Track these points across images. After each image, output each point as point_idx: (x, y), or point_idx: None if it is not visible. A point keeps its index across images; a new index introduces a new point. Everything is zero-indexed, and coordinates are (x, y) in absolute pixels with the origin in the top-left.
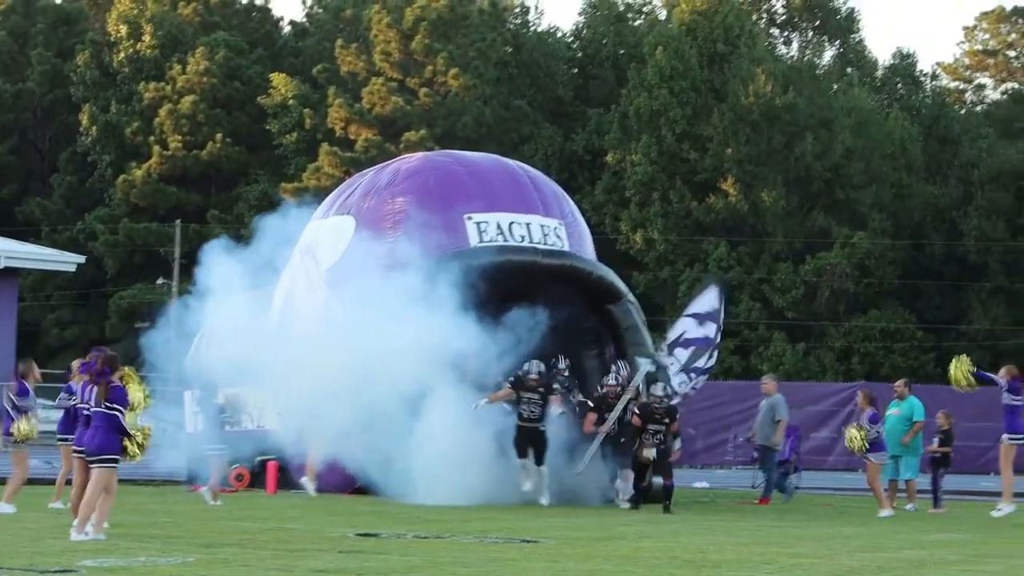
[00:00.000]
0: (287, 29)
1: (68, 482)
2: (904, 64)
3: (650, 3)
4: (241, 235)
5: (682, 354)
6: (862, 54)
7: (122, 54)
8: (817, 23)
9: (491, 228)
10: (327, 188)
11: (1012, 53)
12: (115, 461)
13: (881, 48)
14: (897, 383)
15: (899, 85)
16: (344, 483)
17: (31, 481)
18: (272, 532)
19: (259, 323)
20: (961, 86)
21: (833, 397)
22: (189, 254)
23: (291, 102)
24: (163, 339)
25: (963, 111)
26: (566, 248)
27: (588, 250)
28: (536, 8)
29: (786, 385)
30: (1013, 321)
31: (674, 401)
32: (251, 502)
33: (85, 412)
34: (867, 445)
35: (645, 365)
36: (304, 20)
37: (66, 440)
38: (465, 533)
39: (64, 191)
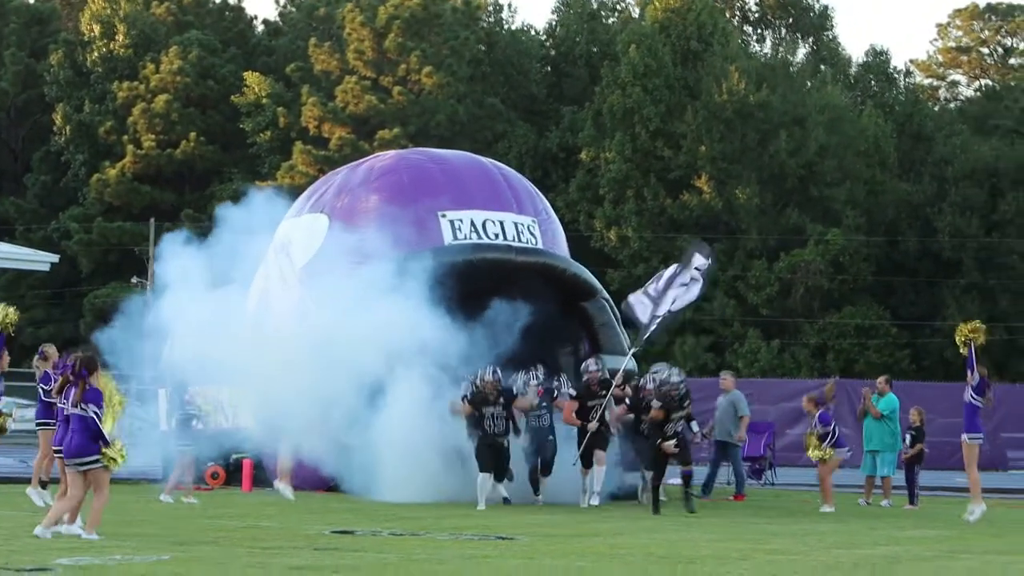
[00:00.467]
0: (260, 28)
1: (55, 482)
2: (878, 61)
3: (623, 1)
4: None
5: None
6: (835, 51)
7: (95, 53)
8: (790, 20)
9: (465, 226)
10: (301, 186)
11: (985, 50)
12: (96, 462)
13: (854, 45)
14: (879, 380)
15: (873, 82)
16: (318, 481)
17: (5, 480)
18: (247, 530)
19: (224, 318)
20: (935, 83)
21: (808, 394)
22: None
23: (265, 101)
24: (123, 337)
25: (937, 108)
26: (540, 246)
27: (562, 248)
28: (509, 6)
29: (761, 382)
30: (987, 317)
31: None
32: (226, 500)
33: (64, 412)
34: (823, 449)
35: (629, 359)
36: (277, 19)
37: (45, 425)
38: (440, 530)
39: (38, 190)
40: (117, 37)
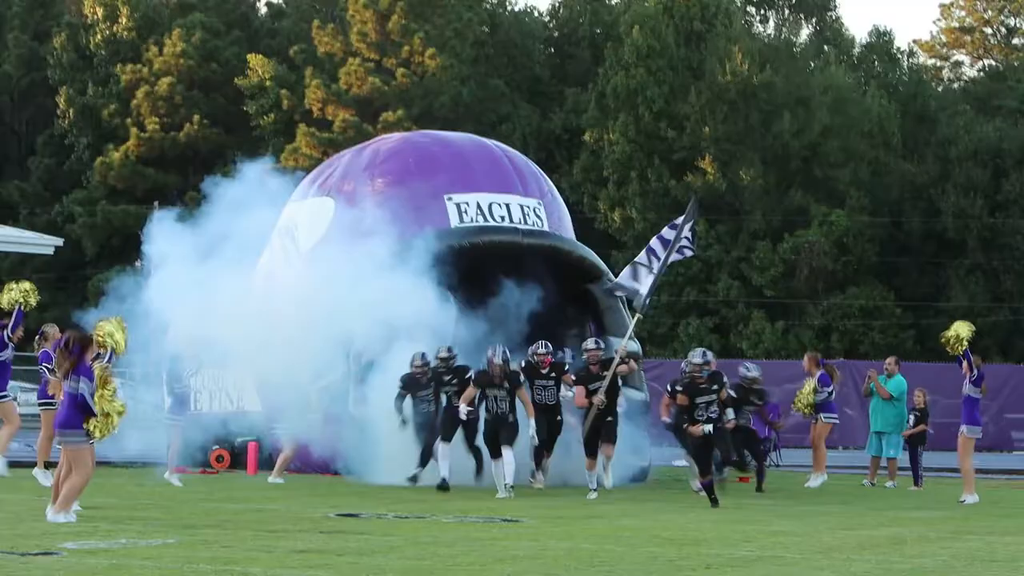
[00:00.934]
0: (263, 10)
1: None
2: (881, 42)
3: None
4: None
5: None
6: (839, 32)
7: (98, 36)
8: (793, 1)
9: (471, 208)
10: (305, 169)
11: (988, 30)
12: (81, 438)
13: (858, 26)
14: (888, 361)
15: (876, 63)
16: (322, 464)
17: (11, 464)
18: (253, 513)
19: (216, 297)
20: (938, 63)
21: (810, 352)
22: None
23: (268, 83)
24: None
25: (940, 88)
26: (546, 228)
27: (567, 229)
28: None
29: (765, 363)
30: (991, 298)
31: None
32: (232, 483)
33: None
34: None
35: (627, 339)
36: (280, 1)
37: (47, 405)
38: (445, 513)
39: (41, 174)
40: (120, 20)
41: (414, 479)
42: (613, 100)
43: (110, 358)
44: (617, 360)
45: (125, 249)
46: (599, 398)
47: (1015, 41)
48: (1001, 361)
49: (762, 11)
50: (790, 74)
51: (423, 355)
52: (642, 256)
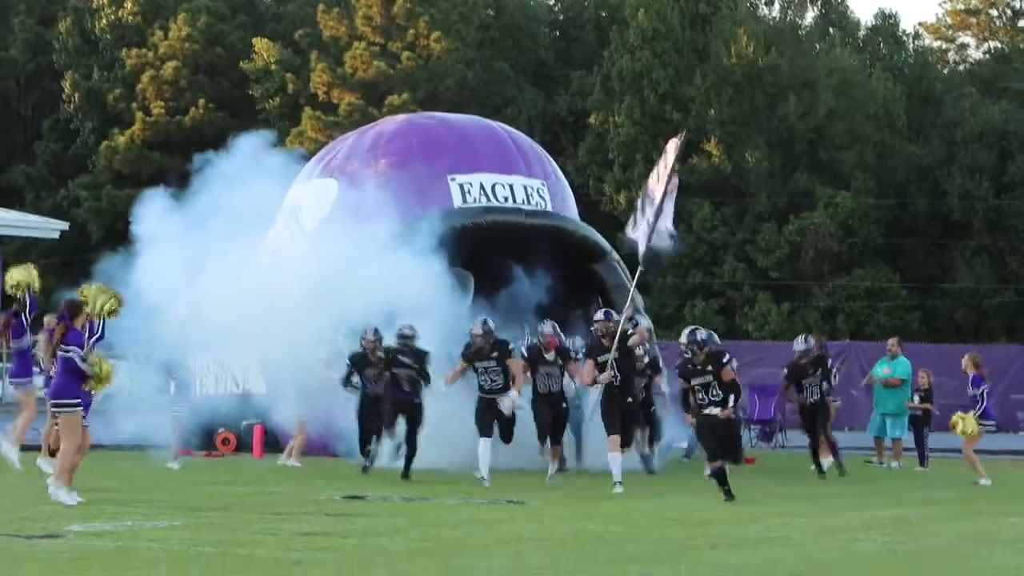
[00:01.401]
0: None
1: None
2: (886, 24)
3: None
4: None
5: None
6: (844, 14)
7: (104, 21)
8: None
9: (474, 189)
10: (310, 152)
11: (994, 12)
12: (74, 405)
13: (863, 8)
14: (890, 341)
15: (881, 45)
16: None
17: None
18: (258, 496)
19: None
20: (943, 45)
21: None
22: None
23: (273, 67)
24: None
25: (946, 71)
26: (549, 208)
27: (571, 211)
28: None
29: (771, 345)
30: (997, 279)
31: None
32: (237, 466)
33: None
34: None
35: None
36: None
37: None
38: (451, 495)
39: (47, 158)
40: (125, 4)
41: (364, 470)
42: (618, 83)
43: (102, 335)
44: (622, 327)
45: (130, 233)
46: (607, 375)
47: (1021, 23)
48: (1006, 342)
49: None
50: (795, 57)
51: (375, 330)
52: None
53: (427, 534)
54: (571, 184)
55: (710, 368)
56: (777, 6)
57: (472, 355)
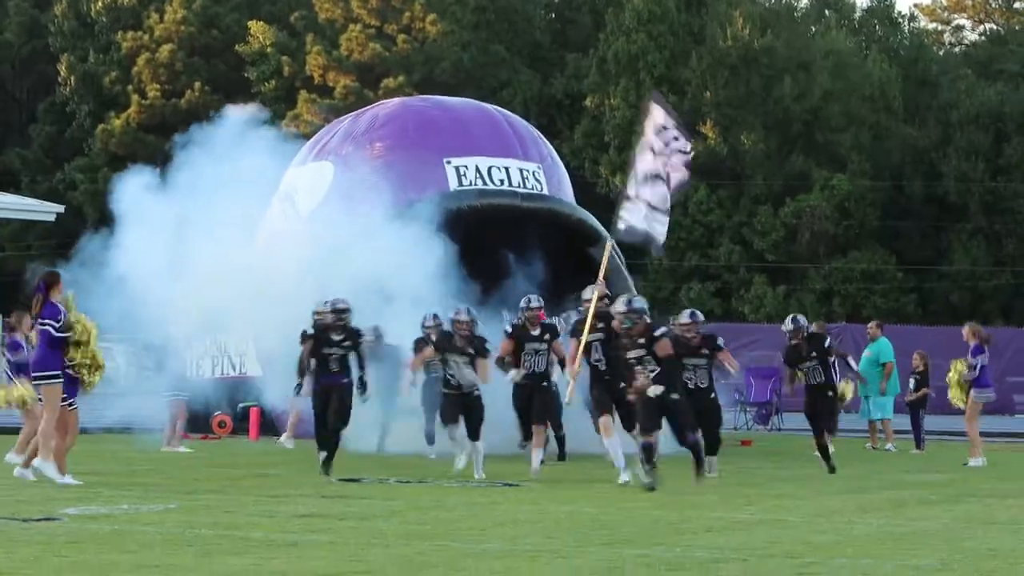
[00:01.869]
0: None
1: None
2: (882, 6)
3: None
4: None
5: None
6: None
7: (99, 3)
8: None
9: (470, 172)
10: (306, 136)
11: None
12: (55, 377)
13: None
14: (870, 325)
15: (877, 27)
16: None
17: (14, 431)
18: (255, 478)
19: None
20: (939, 27)
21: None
22: None
23: (269, 50)
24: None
25: (941, 52)
26: (545, 191)
27: (567, 194)
28: None
29: (767, 327)
30: (993, 261)
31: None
32: (233, 448)
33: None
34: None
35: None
36: None
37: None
38: (447, 478)
39: (43, 141)
40: None
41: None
42: (614, 65)
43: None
44: (594, 303)
45: (111, 213)
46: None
47: (1016, 5)
48: (1002, 325)
49: None
50: (791, 39)
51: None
52: (637, 192)
53: (423, 516)
54: (567, 167)
55: (642, 341)
56: None
57: (444, 346)
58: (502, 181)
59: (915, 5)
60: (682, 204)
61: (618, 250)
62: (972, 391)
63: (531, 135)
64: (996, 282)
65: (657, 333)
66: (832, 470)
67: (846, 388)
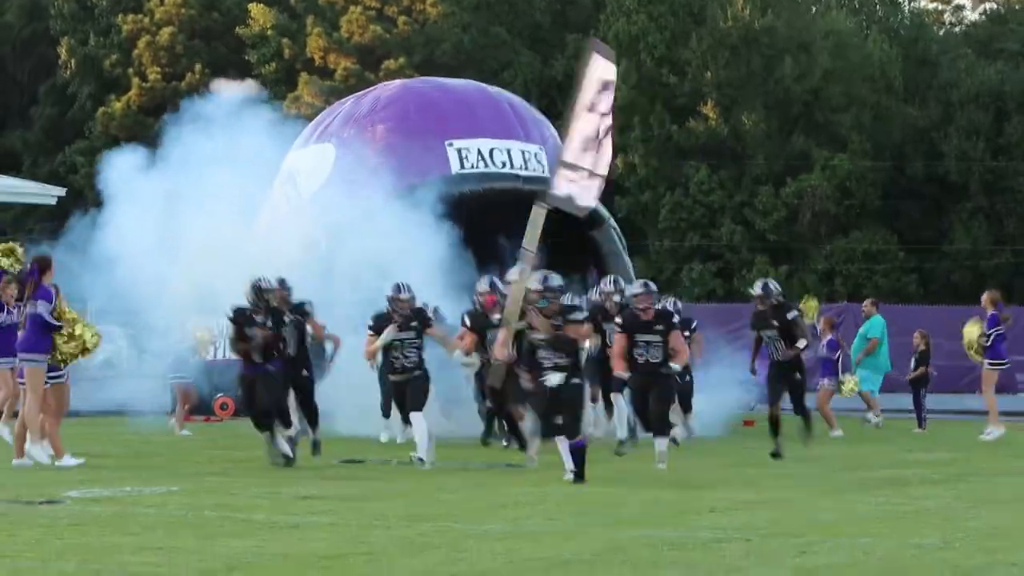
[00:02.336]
0: None
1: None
2: None
3: None
4: None
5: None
6: None
7: None
8: None
9: (472, 154)
10: (307, 118)
11: None
12: (39, 361)
13: None
14: (865, 303)
15: (877, 7)
16: None
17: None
18: (257, 460)
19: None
20: (939, 7)
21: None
22: None
23: (270, 32)
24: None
25: (942, 32)
26: (547, 174)
27: None
28: None
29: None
30: (994, 241)
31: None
32: (236, 431)
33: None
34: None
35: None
36: None
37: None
38: (449, 459)
39: (44, 124)
40: None
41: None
42: (615, 46)
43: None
44: (513, 294)
45: (99, 194)
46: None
47: None
48: (1004, 304)
49: None
50: (791, 19)
51: (282, 281)
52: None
53: (425, 498)
54: None
55: (659, 328)
56: None
57: (382, 325)
58: (504, 163)
59: None
60: (683, 184)
61: (619, 233)
62: (986, 360)
63: (532, 117)
64: (997, 261)
65: (572, 317)
66: (775, 455)
67: (849, 382)
